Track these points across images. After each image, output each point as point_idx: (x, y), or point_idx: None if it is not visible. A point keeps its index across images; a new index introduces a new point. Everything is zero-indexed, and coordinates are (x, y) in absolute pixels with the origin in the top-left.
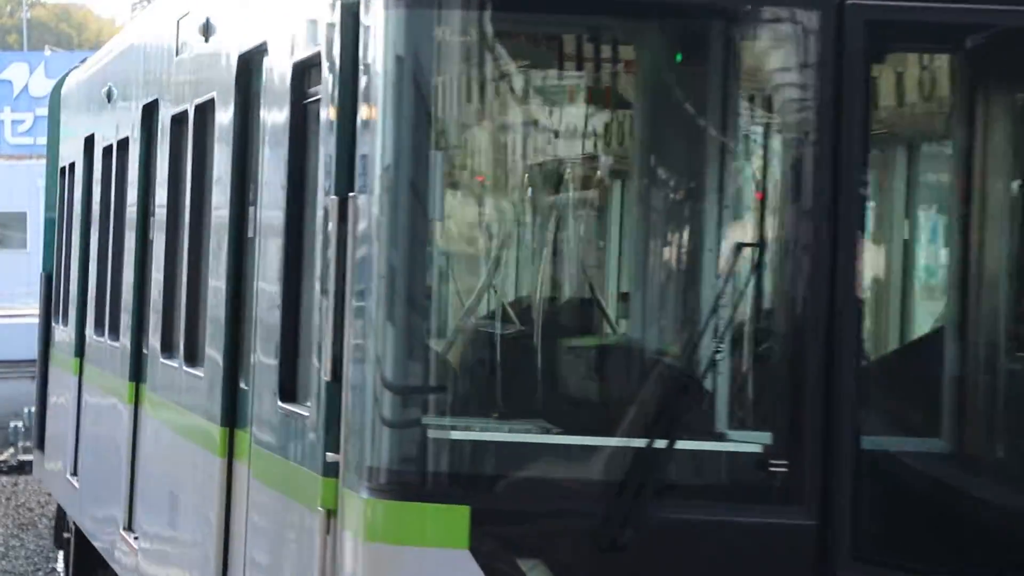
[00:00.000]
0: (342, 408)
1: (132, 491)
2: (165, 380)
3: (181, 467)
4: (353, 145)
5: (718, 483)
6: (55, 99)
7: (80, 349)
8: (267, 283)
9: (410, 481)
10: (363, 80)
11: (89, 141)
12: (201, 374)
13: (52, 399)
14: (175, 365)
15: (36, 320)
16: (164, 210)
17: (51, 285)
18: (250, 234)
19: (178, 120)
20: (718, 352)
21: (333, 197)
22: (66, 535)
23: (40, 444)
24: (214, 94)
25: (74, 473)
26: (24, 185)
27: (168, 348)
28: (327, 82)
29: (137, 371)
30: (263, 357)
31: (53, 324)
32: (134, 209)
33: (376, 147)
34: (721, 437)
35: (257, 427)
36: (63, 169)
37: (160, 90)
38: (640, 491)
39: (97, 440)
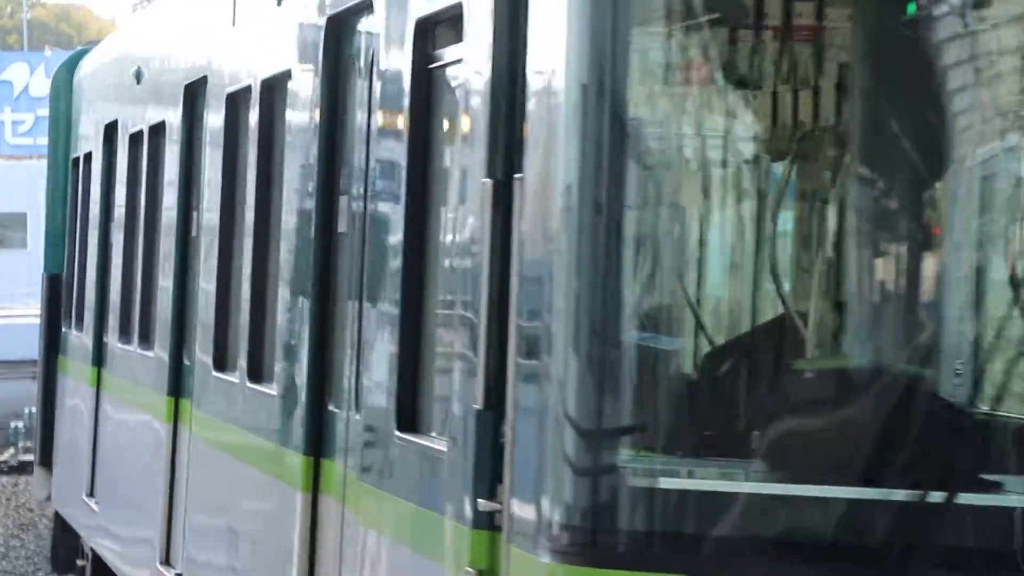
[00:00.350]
0: (504, 445)
1: (171, 520)
2: (219, 398)
3: (244, 499)
4: (513, 115)
5: (1009, 548)
6: (60, 85)
7: (98, 358)
8: (374, 288)
9: (606, 542)
10: (532, 30)
11: (111, 128)
12: (272, 392)
13: (61, 411)
14: (234, 381)
15: (36, 321)
16: (215, 204)
17: (55, 286)
18: (341, 229)
19: (236, 100)
20: (998, 377)
21: (486, 180)
22: (80, 562)
23: (44, 460)
24: (290, 66)
25: (91, 494)
26: (24, 185)
27: (223, 362)
28: (474, 37)
29: (177, 385)
30: (370, 376)
31: (64, 329)
32: (172, 203)
33: (558, 119)
34: (1000, 488)
35: (360, 460)
36: (75, 160)
37: (210, 67)
38: (907, 558)
39: (122, 459)
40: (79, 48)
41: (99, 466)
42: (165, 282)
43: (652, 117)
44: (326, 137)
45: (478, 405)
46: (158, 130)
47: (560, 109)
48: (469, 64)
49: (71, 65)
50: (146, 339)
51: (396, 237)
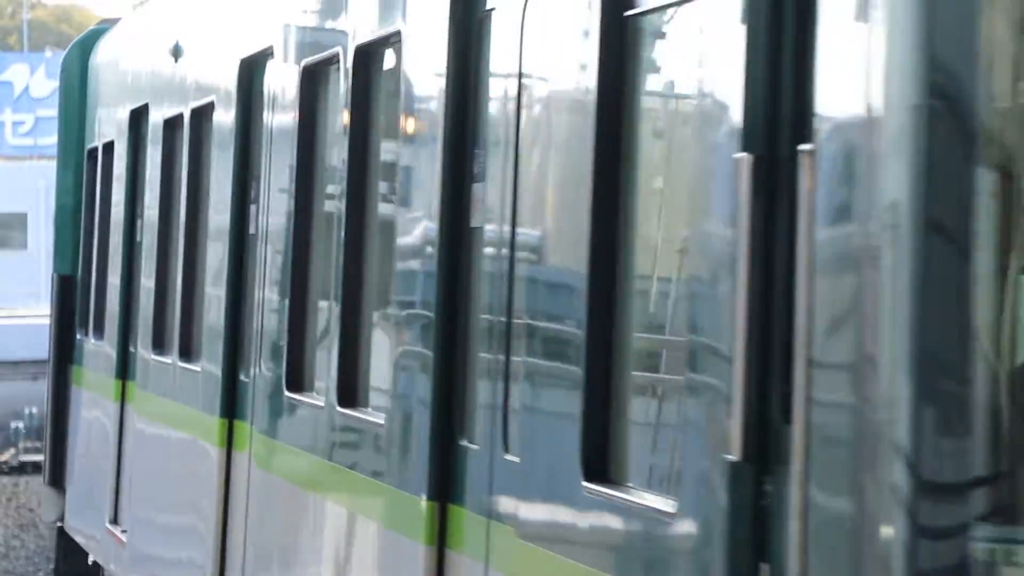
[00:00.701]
0: (773, 508)
1: (224, 555)
2: (295, 423)
3: (333, 544)
4: (778, 68)
5: None
6: (73, 69)
7: (123, 370)
8: (530, 297)
9: None
10: None
11: (138, 114)
12: (376, 420)
13: (74, 425)
14: (317, 404)
15: (37, 321)
16: (286, 198)
17: (66, 289)
18: (475, 224)
19: (315, 72)
20: None
21: (743, 156)
22: None
23: (55, 478)
24: (398, 27)
25: (115, 521)
26: (24, 185)
27: (298, 381)
28: None
29: (231, 405)
30: (531, 408)
31: (79, 337)
32: (223, 197)
33: (888, 129)
34: None
35: (516, 512)
36: (91, 152)
37: (276, 36)
38: None
39: (158, 485)
40: (93, 27)
41: (126, 490)
42: (214, 287)
43: (1004, 122)
44: (453, 107)
45: (733, 456)
46: (203, 113)
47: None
48: (702, 4)
49: (84, 47)
50: (188, 351)
51: (568, 234)
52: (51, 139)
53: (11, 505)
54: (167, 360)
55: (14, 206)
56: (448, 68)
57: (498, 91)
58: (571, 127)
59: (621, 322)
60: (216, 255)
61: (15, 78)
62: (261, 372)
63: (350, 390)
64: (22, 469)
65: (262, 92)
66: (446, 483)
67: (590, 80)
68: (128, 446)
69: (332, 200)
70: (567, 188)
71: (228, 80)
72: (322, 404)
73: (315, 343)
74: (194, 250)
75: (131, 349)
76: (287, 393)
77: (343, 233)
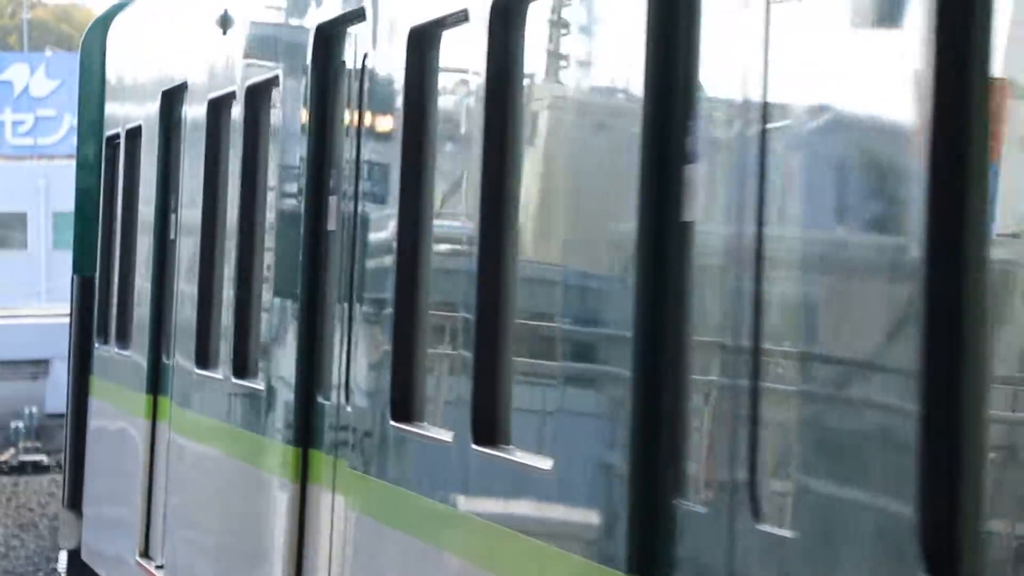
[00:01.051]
0: None
1: None
2: (408, 462)
3: None
4: None
5: None
6: (92, 51)
7: (155, 384)
8: (802, 314)
9: None
10: None
11: (171, 96)
12: (542, 466)
13: (91, 443)
14: (440, 440)
15: (37, 321)
16: (387, 187)
17: (88, 292)
18: (688, 218)
19: (427, 36)
20: None
21: None
22: None
23: (74, 502)
24: None
25: (146, 554)
26: (24, 185)
27: (408, 410)
28: None
29: (305, 433)
30: (812, 459)
31: (97, 344)
32: (291, 187)
33: None
34: None
35: None
36: (112, 139)
37: None
38: None
39: (205, 518)
40: (115, 3)
41: (160, 520)
42: (279, 292)
43: None
44: (656, 65)
45: None
46: (261, 91)
47: None
48: None
49: (107, 26)
50: (243, 366)
51: (870, 231)
52: (51, 138)
53: (11, 505)
54: (216, 375)
55: (14, 206)
56: (649, 15)
57: (726, 42)
58: (872, 78)
59: (975, 350)
60: (282, 255)
61: (15, 78)
62: (351, 395)
63: (488, 424)
64: (22, 469)
65: (345, 63)
66: (653, 552)
67: (914, 23)
68: (162, 470)
69: (458, 190)
70: (869, 167)
71: (298, 51)
72: (448, 440)
73: (433, 365)
74: (250, 249)
75: (164, 360)
76: (393, 423)
77: (479, 232)
